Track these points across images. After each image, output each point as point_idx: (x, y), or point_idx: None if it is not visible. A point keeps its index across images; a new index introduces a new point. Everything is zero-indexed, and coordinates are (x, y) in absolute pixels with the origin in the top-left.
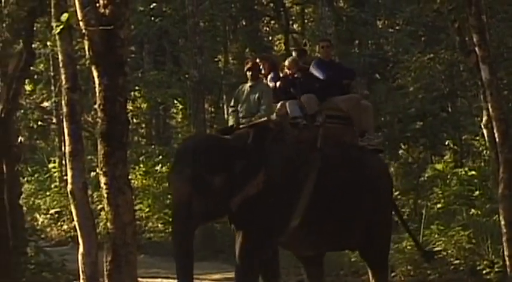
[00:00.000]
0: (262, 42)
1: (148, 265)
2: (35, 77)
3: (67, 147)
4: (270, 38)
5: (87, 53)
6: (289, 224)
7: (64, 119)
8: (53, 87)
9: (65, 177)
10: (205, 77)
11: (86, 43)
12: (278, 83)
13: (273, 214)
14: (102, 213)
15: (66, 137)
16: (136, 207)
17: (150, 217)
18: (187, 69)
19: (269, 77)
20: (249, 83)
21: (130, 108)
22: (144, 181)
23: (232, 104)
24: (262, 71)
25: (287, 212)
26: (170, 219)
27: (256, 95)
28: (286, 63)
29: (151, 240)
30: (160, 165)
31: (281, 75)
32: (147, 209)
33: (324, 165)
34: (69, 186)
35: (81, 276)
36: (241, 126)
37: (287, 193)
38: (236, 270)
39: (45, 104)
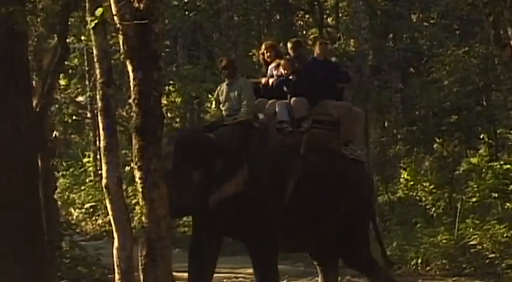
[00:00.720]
0: (296, 36)
1: (182, 259)
2: (70, 71)
3: (102, 142)
4: (304, 32)
5: (121, 47)
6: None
7: (99, 114)
8: (87, 82)
9: (99, 172)
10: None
11: (121, 37)
12: (271, 81)
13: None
14: (137, 207)
15: (101, 132)
16: None
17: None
18: None
19: (270, 66)
20: (226, 81)
21: (165, 102)
22: None
23: (214, 105)
24: (268, 59)
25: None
26: None
27: (236, 92)
28: (282, 63)
29: (185, 234)
30: None
31: (277, 72)
32: None
33: (306, 172)
34: (104, 181)
35: (116, 271)
36: (225, 123)
37: (268, 197)
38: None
39: (80, 98)
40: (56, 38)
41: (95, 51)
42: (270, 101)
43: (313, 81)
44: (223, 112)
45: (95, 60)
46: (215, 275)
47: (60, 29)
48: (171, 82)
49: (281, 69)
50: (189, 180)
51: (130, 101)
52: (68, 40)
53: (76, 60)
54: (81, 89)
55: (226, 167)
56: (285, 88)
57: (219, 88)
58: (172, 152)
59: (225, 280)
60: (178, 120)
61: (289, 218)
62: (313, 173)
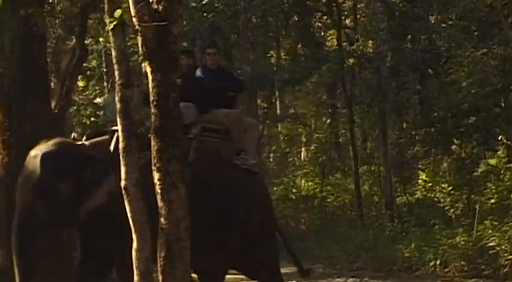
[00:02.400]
0: (314, 38)
1: None
2: (88, 73)
3: (120, 143)
4: (322, 33)
5: (140, 49)
6: None
7: (118, 115)
8: (105, 84)
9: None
10: (257, 72)
11: (139, 39)
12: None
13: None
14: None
15: (120, 133)
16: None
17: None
18: (240, 65)
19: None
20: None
21: None
22: None
23: (102, 111)
24: None
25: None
26: None
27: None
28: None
29: None
30: None
31: None
32: None
33: (194, 181)
34: (122, 182)
35: (135, 272)
36: (107, 129)
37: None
38: None
39: (98, 100)
40: (74, 40)
41: (113, 53)
42: None
43: (200, 89)
44: (107, 118)
45: (114, 61)
46: (233, 276)
47: (78, 30)
48: None
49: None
50: (57, 193)
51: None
52: (86, 42)
53: (94, 61)
54: (99, 91)
55: (93, 177)
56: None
57: (109, 93)
58: (38, 165)
59: (243, 281)
60: None
61: None
62: (202, 183)
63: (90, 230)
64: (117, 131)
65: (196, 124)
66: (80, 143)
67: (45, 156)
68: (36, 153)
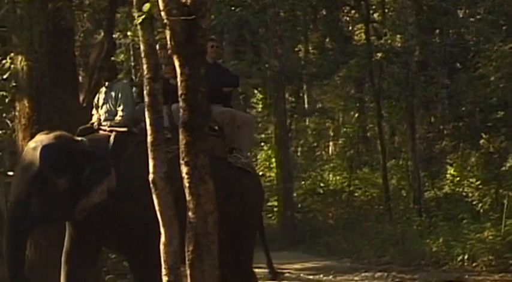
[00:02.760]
0: (343, 32)
1: None
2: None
3: (148, 137)
4: (350, 27)
5: (168, 42)
6: None
7: (146, 109)
8: (133, 77)
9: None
10: (285, 66)
11: (168, 33)
12: None
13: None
14: None
15: (148, 127)
16: None
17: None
18: (268, 59)
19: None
20: (106, 84)
21: None
22: None
23: (94, 110)
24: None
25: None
26: None
27: (113, 96)
28: (163, 67)
29: None
30: None
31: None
32: None
33: None
34: (150, 176)
35: (163, 266)
36: (102, 127)
37: (142, 207)
38: None
39: None
40: (102, 34)
41: (142, 47)
42: None
43: None
44: (101, 116)
45: (142, 55)
46: (261, 270)
47: (106, 24)
48: None
49: (164, 73)
50: (55, 187)
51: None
52: (114, 36)
53: (122, 55)
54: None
55: (93, 174)
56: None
57: (100, 90)
58: (38, 158)
59: (271, 275)
60: None
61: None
62: None
63: (84, 225)
64: (114, 129)
65: None
66: (79, 138)
67: (45, 149)
68: (36, 145)
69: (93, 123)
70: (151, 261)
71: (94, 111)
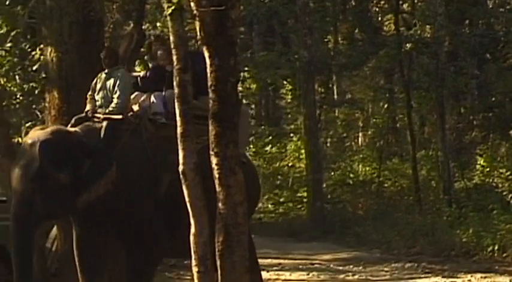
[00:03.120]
0: (372, 23)
1: (258, 246)
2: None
3: (178, 128)
4: (380, 18)
5: (198, 34)
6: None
7: (176, 100)
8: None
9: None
10: (314, 57)
11: (197, 24)
12: (148, 73)
13: (140, 217)
14: None
15: (178, 118)
16: None
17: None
18: (297, 50)
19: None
20: (106, 70)
21: (240, 89)
22: (254, 161)
23: (90, 92)
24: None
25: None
26: (280, 200)
27: (112, 83)
28: (159, 53)
29: (261, 221)
30: (270, 145)
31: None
32: None
33: None
34: (180, 167)
35: (193, 256)
36: (97, 115)
37: (140, 196)
38: None
39: None
40: (132, 25)
41: (171, 38)
42: (145, 95)
43: (195, 76)
44: (97, 102)
45: (172, 46)
46: (291, 261)
47: (136, 15)
48: (246, 69)
49: (160, 60)
50: (55, 182)
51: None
52: (143, 27)
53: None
54: None
55: (95, 167)
56: (160, 82)
57: (99, 75)
58: (36, 154)
59: (300, 266)
60: (253, 106)
61: (169, 218)
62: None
63: (86, 219)
64: (107, 117)
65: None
66: (73, 130)
67: (43, 145)
68: (33, 141)
69: (87, 112)
70: (142, 253)
71: (89, 96)
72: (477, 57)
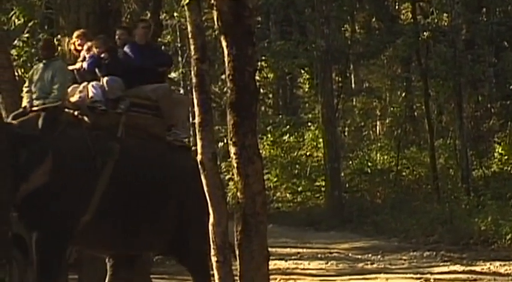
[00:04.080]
0: (389, 11)
1: (277, 235)
2: (162, 48)
3: (196, 118)
4: (397, 6)
5: (215, 23)
6: (81, 218)
7: (193, 90)
8: (180, 58)
9: (193, 148)
10: (332, 46)
11: (215, 13)
12: (84, 64)
13: (65, 209)
14: (231, 183)
15: (196, 108)
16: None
17: (278, 187)
18: (314, 39)
19: (82, 53)
20: (43, 61)
21: (257, 78)
22: (271, 151)
23: (27, 84)
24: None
25: (79, 206)
26: (298, 189)
27: (50, 74)
28: (93, 42)
29: (279, 210)
30: (287, 135)
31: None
32: (275, 179)
33: (124, 156)
34: (198, 156)
35: (212, 246)
36: (34, 108)
37: (79, 184)
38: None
39: (173, 74)
40: (149, 15)
41: (189, 28)
42: (83, 84)
43: (130, 66)
44: (34, 94)
45: (189, 36)
46: (309, 250)
47: (153, 5)
48: (263, 58)
49: (93, 49)
50: None
51: (225, 76)
52: (160, 17)
53: (169, 36)
54: (173, 66)
55: (31, 157)
56: (96, 69)
57: (36, 66)
58: None
59: (319, 255)
60: (270, 96)
61: (110, 210)
62: (133, 158)
63: (24, 210)
64: (43, 109)
65: (125, 99)
66: (8, 122)
67: None
68: None
69: (25, 107)
70: (52, 235)
71: (25, 88)
72: (494, 45)
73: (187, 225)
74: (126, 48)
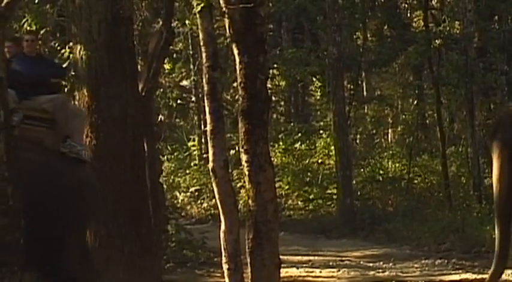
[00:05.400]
0: (401, 19)
1: (288, 242)
2: (174, 55)
3: (208, 126)
4: (409, 14)
5: (227, 31)
6: None
7: (205, 98)
8: (191, 66)
9: (204, 155)
10: (343, 54)
11: (226, 21)
12: None
13: None
14: (243, 191)
15: (207, 115)
16: (276, 185)
17: (289, 194)
18: (326, 47)
19: None
20: None
21: (269, 86)
22: (283, 159)
23: None
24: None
25: None
26: (310, 197)
27: None
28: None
29: (291, 218)
30: (299, 142)
31: None
32: (287, 187)
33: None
34: (210, 164)
35: (223, 254)
36: None
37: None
38: None
39: (184, 82)
40: (160, 22)
41: (200, 35)
42: None
43: (23, 77)
44: None
45: (201, 44)
46: (321, 258)
47: (165, 13)
48: (275, 65)
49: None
50: None
51: (237, 84)
52: (172, 24)
53: (181, 44)
54: (185, 73)
55: None
56: None
57: None
58: None
59: (330, 263)
60: (282, 103)
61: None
62: (25, 173)
63: None
64: None
65: (18, 111)
66: None
67: None
68: None
69: None
70: None
71: None
72: (506, 53)
73: (60, 239)
74: (16, 61)
